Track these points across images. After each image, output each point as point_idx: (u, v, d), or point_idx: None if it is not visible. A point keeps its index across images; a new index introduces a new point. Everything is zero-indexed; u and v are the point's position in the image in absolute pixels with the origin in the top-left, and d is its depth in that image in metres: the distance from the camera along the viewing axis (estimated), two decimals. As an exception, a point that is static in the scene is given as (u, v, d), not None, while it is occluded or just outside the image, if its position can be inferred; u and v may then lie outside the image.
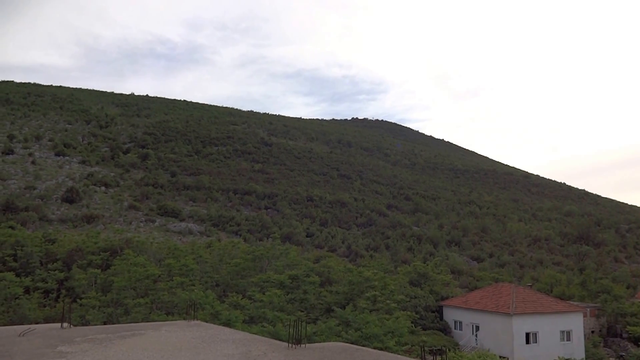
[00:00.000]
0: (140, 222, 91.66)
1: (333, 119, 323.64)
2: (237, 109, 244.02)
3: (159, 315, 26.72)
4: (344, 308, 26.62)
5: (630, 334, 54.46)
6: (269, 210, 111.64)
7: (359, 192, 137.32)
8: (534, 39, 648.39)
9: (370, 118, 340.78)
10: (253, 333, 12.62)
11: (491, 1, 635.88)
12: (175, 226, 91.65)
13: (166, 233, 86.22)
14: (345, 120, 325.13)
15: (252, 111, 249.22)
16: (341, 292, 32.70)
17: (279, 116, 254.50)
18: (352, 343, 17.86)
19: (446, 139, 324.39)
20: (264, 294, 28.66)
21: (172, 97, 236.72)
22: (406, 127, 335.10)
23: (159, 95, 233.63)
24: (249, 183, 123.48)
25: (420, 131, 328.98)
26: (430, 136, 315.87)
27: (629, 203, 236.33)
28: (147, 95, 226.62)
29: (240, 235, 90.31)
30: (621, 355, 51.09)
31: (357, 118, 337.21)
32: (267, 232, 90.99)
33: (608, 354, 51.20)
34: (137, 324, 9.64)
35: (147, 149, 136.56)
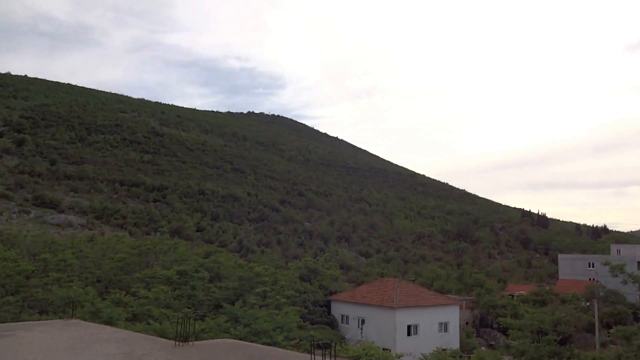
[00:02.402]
0: (13, 212, 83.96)
1: (229, 111, 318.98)
2: (127, 96, 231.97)
3: (30, 314, 24.62)
4: (234, 304, 26.34)
5: (500, 324, 59.50)
6: (157, 203, 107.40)
7: (253, 186, 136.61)
8: (425, 43, 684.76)
9: (266, 113, 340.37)
10: (137, 331, 12.01)
11: (387, 3, 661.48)
12: (52, 218, 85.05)
13: (42, 225, 79.74)
14: (242, 113, 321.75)
15: (143, 99, 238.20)
16: (231, 287, 32.36)
17: (172, 106, 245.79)
18: (241, 339, 17.68)
19: (340, 137, 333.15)
20: (149, 290, 27.51)
21: (55, 80, 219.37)
22: (302, 123, 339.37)
23: (39, 77, 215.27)
24: (137, 174, 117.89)
25: (315, 128, 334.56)
26: (325, 133, 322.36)
27: (503, 203, 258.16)
28: (25, 75, 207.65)
29: (126, 229, 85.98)
30: (491, 344, 55.72)
31: (253, 112, 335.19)
32: (155, 226, 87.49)
33: (480, 344, 55.58)
34: (6, 324, 8.75)
35: (24, 134, 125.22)
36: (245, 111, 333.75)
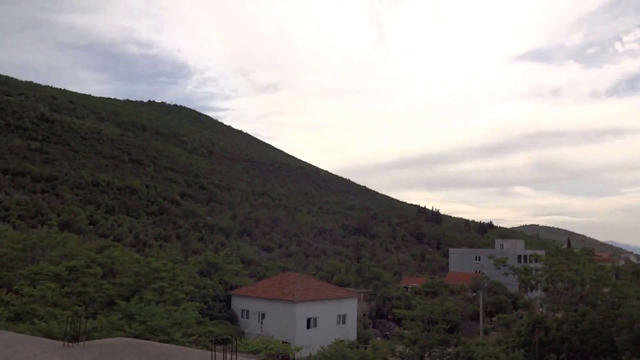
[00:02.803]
0: None
1: (127, 99, 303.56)
2: (12, 77, 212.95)
3: None
4: (129, 301, 25.23)
5: (394, 315, 62.16)
6: (46, 194, 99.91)
7: (152, 178, 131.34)
8: (332, 40, 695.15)
9: (168, 102, 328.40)
10: (20, 332, 11.13)
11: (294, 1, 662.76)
12: None
13: None
14: (141, 102, 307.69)
15: (31, 82, 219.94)
16: (126, 284, 30.91)
17: (65, 91, 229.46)
18: (136, 337, 16.99)
19: (244, 130, 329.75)
20: (34, 287, 25.56)
21: None
22: (205, 115, 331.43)
23: None
24: (23, 163, 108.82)
25: (219, 120, 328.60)
26: (229, 126, 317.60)
27: (400, 200, 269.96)
28: None
29: (9, 222, 79.14)
30: (386, 335, 58.12)
31: (154, 101, 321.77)
32: (42, 218, 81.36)
33: (375, 334, 57.76)
34: None
35: None
36: (145, 100, 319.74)
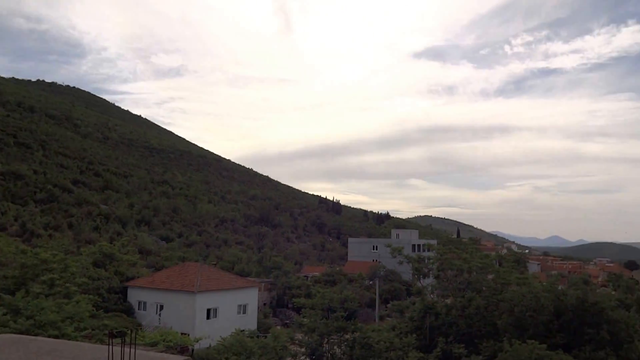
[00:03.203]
0: None
1: (13, 77, 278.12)
2: None
3: None
4: (14, 294, 23.36)
5: (294, 304, 62.95)
6: None
7: (41, 164, 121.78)
8: (237, 27, 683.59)
9: (60, 83, 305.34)
10: None
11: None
12: None
13: None
14: (29, 81, 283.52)
15: None
16: (11, 276, 28.57)
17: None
18: (22, 333, 15.80)
19: (144, 116, 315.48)
20: None
21: None
22: (101, 98, 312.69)
23: None
24: None
25: (117, 104, 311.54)
26: (127, 111, 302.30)
27: (303, 190, 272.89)
28: None
29: None
30: (286, 323, 58.74)
31: (44, 80, 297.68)
32: None
33: (276, 323, 58.20)
34: None
35: None
36: (34, 79, 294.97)
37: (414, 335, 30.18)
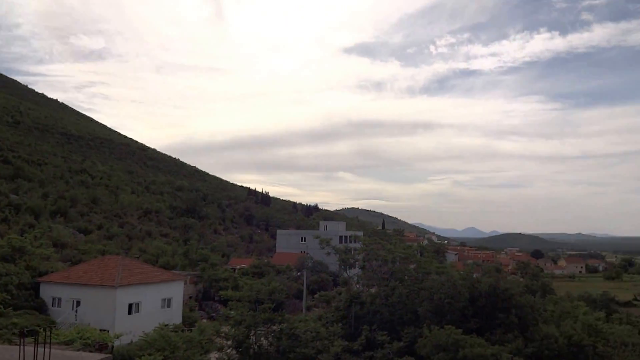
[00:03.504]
0: None
1: None
2: None
3: None
4: None
5: (221, 296, 62.21)
6: None
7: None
8: (166, 12, 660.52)
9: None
10: None
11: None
12: None
13: None
14: None
15: None
16: None
17: None
18: None
19: (61, 100, 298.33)
20: None
21: None
22: (13, 79, 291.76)
23: None
24: None
25: (30, 87, 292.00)
26: (42, 94, 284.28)
27: (231, 181, 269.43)
28: None
29: None
30: (212, 316, 57.95)
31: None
32: None
33: (202, 316, 57.26)
34: None
35: None
36: None
37: (340, 324, 30.77)
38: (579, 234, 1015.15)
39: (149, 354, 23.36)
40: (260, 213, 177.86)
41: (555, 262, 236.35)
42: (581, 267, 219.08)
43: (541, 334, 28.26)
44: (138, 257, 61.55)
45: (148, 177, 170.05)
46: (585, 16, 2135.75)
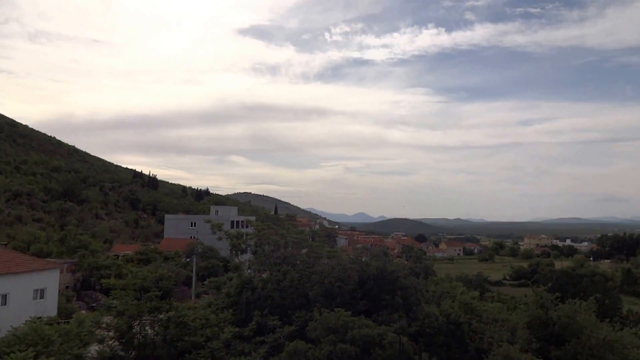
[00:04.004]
0: None
1: None
2: None
3: None
4: None
5: (103, 285, 58.63)
6: None
7: None
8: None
9: None
10: None
11: None
12: None
13: None
14: None
15: None
16: None
17: None
18: None
19: None
20: None
21: None
22: None
23: None
24: None
25: None
26: None
27: (115, 163, 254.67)
28: None
29: None
30: (92, 307, 54.49)
31: None
32: None
33: (80, 307, 53.64)
34: None
35: None
36: None
37: (231, 310, 30.25)
38: (458, 219, 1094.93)
39: (20, 350, 21.26)
40: (146, 197, 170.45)
41: (436, 245, 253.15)
42: (459, 250, 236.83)
43: (423, 314, 29.86)
44: (6, 245, 56.17)
45: (18, 156, 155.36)
46: (468, 16, 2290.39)
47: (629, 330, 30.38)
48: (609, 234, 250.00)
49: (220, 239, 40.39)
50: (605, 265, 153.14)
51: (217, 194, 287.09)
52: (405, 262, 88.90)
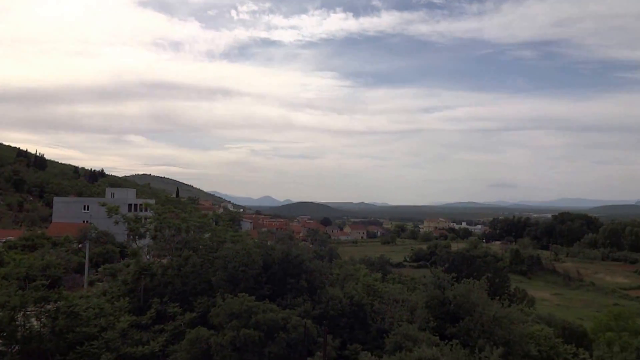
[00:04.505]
0: None
1: None
2: None
3: None
4: None
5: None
6: None
7: None
8: None
9: None
10: None
11: None
12: None
13: None
14: None
15: None
16: None
17: None
18: None
19: None
20: None
21: None
22: None
23: None
24: None
25: None
26: None
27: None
28: None
29: None
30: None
31: None
32: None
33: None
34: None
35: None
36: None
37: (128, 298, 28.72)
38: (363, 203, 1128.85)
39: None
40: (33, 178, 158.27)
41: (341, 228, 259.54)
42: (363, 233, 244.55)
43: (327, 296, 30.19)
44: None
45: None
46: (375, 2, 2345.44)
47: (515, 306, 32.79)
48: (500, 218, 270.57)
49: (116, 223, 38.29)
50: (496, 246, 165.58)
51: (114, 176, 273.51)
52: (310, 246, 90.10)
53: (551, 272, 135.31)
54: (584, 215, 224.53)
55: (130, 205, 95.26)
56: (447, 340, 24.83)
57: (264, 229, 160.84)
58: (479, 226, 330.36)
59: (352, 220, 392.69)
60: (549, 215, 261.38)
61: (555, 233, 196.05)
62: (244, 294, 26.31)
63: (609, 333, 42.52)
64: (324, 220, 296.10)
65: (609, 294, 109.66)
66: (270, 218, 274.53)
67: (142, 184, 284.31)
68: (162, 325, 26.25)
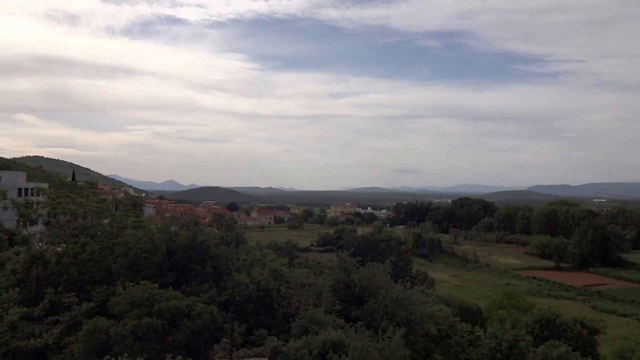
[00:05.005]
0: None
1: None
2: None
3: None
4: None
5: None
6: None
7: None
8: None
9: None
10: None
11: None
12: None
13: None
14: None
15: None
16: None
17: None
18: None
19: None
20: None
21: None
22: None
23: None
24: None
25: None
26: None
27: None
28: None
29: None
30: None
31: None
32: None
33: None
34: None
35: None
36: None
37: (17, 289, 26.74)
38: (270, 187, 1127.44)
39: None
40: None
41: (248, 214, 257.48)
42: (270, 218, 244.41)
43: (234, 282, 30.02)
44: None
45: None
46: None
47: (417, 288, 34.53)
48: (404, 203, 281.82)
49: (5, 208, 35.57)
50: (399, 230, 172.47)
51: (1, 157, 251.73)
52: (216, 231, 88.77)
53: (450, 254, 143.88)
54: (480, 200, 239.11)
55: (20, 189, 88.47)
56: (352, 323, 25.65)
57: (167, 214, 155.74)
58: (384, 211, 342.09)
59: (260, 205, 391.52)
60: (449, 201, 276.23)
61: (454, 217, 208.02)
62: (146, 281, 25.49)
63: (501, 311, 46.11)
64: (231, 205, 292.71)
65: (502, 275, 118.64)
66: (175, 203, 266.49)
67: (34, 167, 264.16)
68: (56, 317, 24.81)
